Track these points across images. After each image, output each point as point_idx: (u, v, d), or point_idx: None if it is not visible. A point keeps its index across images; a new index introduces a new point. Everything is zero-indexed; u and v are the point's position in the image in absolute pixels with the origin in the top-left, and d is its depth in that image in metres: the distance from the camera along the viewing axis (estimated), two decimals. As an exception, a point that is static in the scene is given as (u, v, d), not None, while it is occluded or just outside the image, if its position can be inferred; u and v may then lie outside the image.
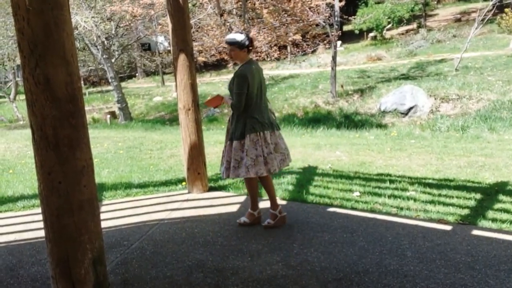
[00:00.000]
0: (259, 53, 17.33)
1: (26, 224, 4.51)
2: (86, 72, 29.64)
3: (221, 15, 16.41)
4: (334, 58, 18.33)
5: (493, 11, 20.60)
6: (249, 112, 3.71)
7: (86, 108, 15.79)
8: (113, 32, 18.25)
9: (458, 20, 31.80)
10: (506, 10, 24.34)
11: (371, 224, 3.91)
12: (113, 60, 18.90)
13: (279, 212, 3.95)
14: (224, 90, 24.37)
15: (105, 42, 17.70)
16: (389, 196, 4.63)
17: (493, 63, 18.85)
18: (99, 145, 9.85)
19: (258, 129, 3.70)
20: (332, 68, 18.09)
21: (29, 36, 2.46)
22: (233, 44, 3.71)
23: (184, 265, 3.31)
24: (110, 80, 18.62)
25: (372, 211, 4.25)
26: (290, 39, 17.47)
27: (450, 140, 8.93)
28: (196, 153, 5.12)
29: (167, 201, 4.98)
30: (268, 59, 17.94)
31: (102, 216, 3.50)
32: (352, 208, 4.36)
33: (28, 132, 12.16)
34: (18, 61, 19.01)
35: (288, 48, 20.76)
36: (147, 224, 4.28)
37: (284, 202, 4.63)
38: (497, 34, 25.30)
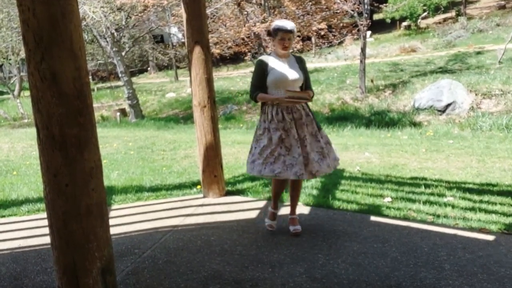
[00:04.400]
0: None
1: (31, 230, 4.58)
2: (94, 66, 30.05)
3: (239, 4, 16.44)
4: (363, 50, 18.17)
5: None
6: None
7: (95, 105, 16.00)
8: (123, 23, 18.43)
9: (503, 7, 31.22)
10: (557, -5, 23.83)
11: (405, 233, 3.86)
12: (123, 53, 19.08)
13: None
14: (242, 86, 24.44)
15: (115, 34, 17.88)
16: (424, 202, 4.57)
17: (541, 54, 18.45)
18: (108, 145, 9.96)
19: None
20: (361, 61, 17.94)
21: (34, 28, 2.49)
22: (294, 32, 3.82)
23: (200, 276, 3.33)
24: (120, 75, 18.80)
25: (405, 218, 4.20)
26: (314, 29, 17.37)
27: (492, 140, 8.78)
28: (212, 154, 5.13)
29: (181, 206, 5.01)
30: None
31: (112, 221, 3.54)
32: (383, 215, 4.32)
33: (33, 130, 12.38)
34: (23, 55, 19.38)
35: (313, 39, 20.64)
36: (159, 231, 4.31)
37: (308, 208, 4.61)
38: (546, 22, 24.80)
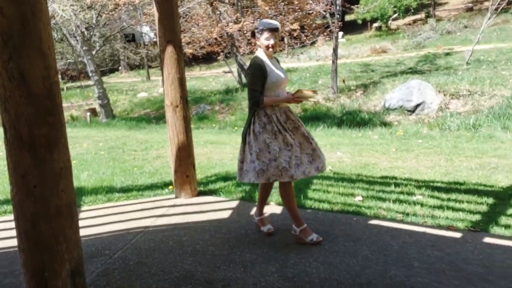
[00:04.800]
0: (253, 45, 17.33)
1: (-2, 232, 4.49)
2: (64, 65, 29.56)
3: (212, 4, 16.40)
4: (335, 50, 18.35)
5: (507, 0, 20.69)
6: None
7: (64, 104, 15.72)
8: (94, 21, 18.20)
9: (470, 9, 31.95)
10: (522, -2, 24.49)
11: (375, 232, 3.92)
12: (93, 52, 18.84)
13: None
14: (215, 85, 24.39)
15: (85, 32, 17.64)
16: (395, 201, 4.65)
17: (507, 56, 18.94)
18: (78, 145, 9.83)
19: None
20: (333, 62, 18.11)
21: (3, 27, 2.45)
22: (279, 31, 3.73)
23: (171, 277, 3.31)
24: (90, 74, 18.56)
25: (376, 217, 4.27)
26: (287, 29, 17.45)
27: (460, 139, 8.99)
28: (185, 154, 5.12)
29: (153, 207, 4.98)
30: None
31: (81, 223, 3.50)
32: (355, 214, 4.37)
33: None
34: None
35: (285, 39, 20.75)
36: (130, 232, 4.27)
37: (280, 208, 4.64)
38: (511, 25, 25.44)
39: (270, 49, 3.67)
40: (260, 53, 3.73)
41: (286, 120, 3.72)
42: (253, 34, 3.78)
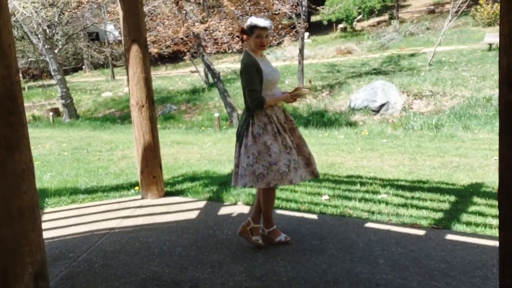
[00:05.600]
0: (219, 45, 17.31)
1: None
2: (25, 64, 28.89)
3: (177, 3, 16.29)
4: (301, 51, 18.52)
5: (467, 3, 21.30)
6: None
7: (26, 104, 15.36)
8: (56, 19, 17.83)
9: (432, 11, 32.74)
10: (481, 1, 25.23)
11: (341, 230, 3.97)
12: (56, 51, 18.47)
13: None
14: (181, 85, 24.23)
15: (47, 30, 17.28)
16: (360, 200, 4.72)
17: (467, 57, 19.51)
18: (40, 146, 9.62)
19: None
20: (299, 62, 18.28)
21: (-41, 23, 2.38)
22: (271, 28, 3.58)
23: (138, 278, 3.28)
24: (52, 73, 18.20)
25: (342, 215, 4.32)
26: (253, 29, 17.48)
27: (423, 139, 9.20)
28: (151, 154, 5.07)
29: (118, 208, 4.91)
30: (230, 51, 17.93)
31: (45, 225, 3.43)
32: (321, 213, 4.42)
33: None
34: None
35: (252, 39, 20.80)
36: (95, 233, 4.20)
37: (248, 208, 4.65)
38: (471, 27, 26.21)
39: (261, 48, 3.53)
40: (251, 52, 3.57)
41: (285, 120, 3.63)
42: (243, 31, 3.59)
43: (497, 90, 1.73)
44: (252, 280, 3.17)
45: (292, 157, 3.50)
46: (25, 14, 15.60)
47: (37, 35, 17.30)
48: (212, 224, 4.26)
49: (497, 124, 2.00)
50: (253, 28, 3.49)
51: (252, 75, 3.43)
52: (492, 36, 19.50)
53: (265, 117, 3.50)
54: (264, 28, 3.48)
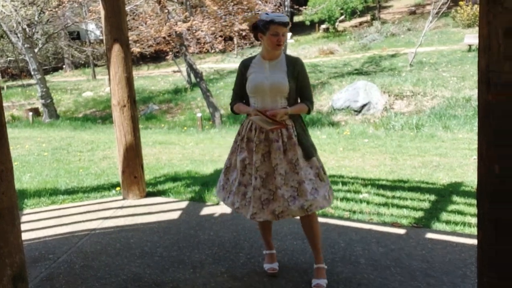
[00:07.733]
0: (202, 45, 17.27)
1: None
2: (4, 63, 28.45)
3: (160, 2, 16.20)
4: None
5: (447, 4, 21.57)
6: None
7: (5, 104, 15.16)
8: (36, 18, 17.60)
9: (413, 12, 33.06)
10: (461, 3, 25.56)
11: (323, 230, 3.98)
12: (36, 50, 18.23)
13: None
14: (164, 85, 24.10)
15: (27, 29, 17.05)
16: (341, 199, 4.75)
17: (448, 58, 19.75)
18: (19, 146, 9.49)
19: None
20: (282, 62, 18.27)
21: None
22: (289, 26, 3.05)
23: (119, 280, 3.25)
24: (32, 73, 17.97)
25: (323, 215, 4.34)
26: (236, 29, 17.50)
27: (404, 139, 9.28)
28: (133, 154, 5.03)
29: (99, 209, 4.86)
30: (213, 51, 17.92)
31: (24, 226, 3.38)
32: (303, 213, 4.42)
33: None
34: None
35: (235, 39, 20.83)
36: (76, 235, 4.16)
37: (229, 208, 4.63)
38: (452, 28, 26.53)
39: (277, 48, 2.97)
40: (260, 54, 3.09)
41: (252, 138, 2.99)
42: (255, 27, 3.00)
43: (476, 91, 1.75)
44: (234, 280, 3.16)
45: (250, 183, 2.98)
46: (4, 13, 15.39)
47: (16, 34, 17.06)
48: (194, 225, 4.24)
49: (476, 124, 2.03)
50: (269, 23, 2.90)
51: (237, 76, 3.13)
52: (472, 37, 19.76)
53: (241, 126, 3.13)
54: (282, 24, 2.90)
